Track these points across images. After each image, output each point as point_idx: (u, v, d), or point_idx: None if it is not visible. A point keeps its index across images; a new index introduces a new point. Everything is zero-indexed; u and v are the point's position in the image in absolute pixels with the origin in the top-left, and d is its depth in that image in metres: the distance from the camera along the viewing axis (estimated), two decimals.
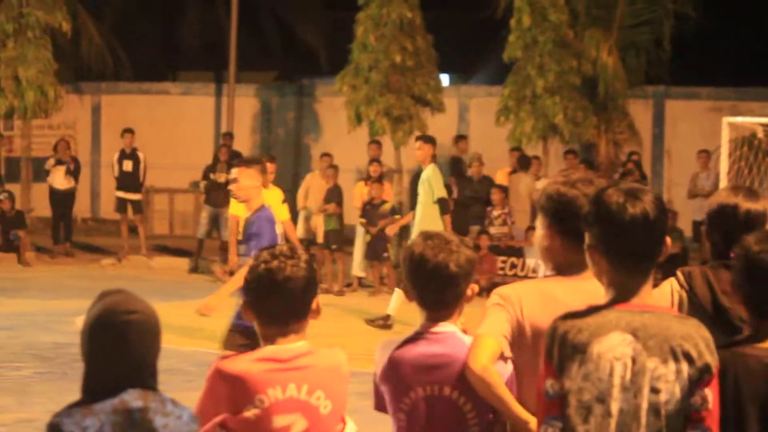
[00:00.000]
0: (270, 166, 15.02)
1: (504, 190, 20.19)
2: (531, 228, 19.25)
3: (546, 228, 4.31)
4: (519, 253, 19.14)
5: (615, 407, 3.46)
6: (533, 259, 18.49)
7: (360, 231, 18.96)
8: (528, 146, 21.64)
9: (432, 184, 14.93)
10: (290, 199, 16.64)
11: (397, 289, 14.72)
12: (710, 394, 3.48)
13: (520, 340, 4.21)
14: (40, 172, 22.99)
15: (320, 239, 19.26)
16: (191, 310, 9.84)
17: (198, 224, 21.84)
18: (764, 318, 3.79)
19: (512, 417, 4.12)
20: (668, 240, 3.63)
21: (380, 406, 4.32)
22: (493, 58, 26.53)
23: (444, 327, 4.22)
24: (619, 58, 22.56)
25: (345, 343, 11.67)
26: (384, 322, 15.00)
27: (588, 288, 3.98)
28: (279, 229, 9.29)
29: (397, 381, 4.20)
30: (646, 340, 3.48)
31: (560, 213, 4.24)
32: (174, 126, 26.82)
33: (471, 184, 20.70)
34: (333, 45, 28.24)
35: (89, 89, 27.48)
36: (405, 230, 18.22)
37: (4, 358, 12.55)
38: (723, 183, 12.81)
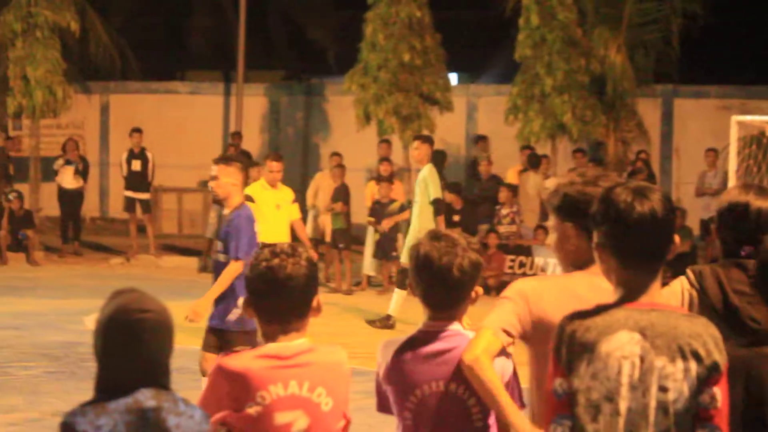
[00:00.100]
0: (276, 165, 15.00)
1: (513, 188, 20.17)
2: (540, 227, 19.22)
3: (568, 228, 4.28)
4: (527, 251, 19.10)
5: (623, 406, 3.45)
6: (542, 258, 18.47)
7: (370, 230, 18.95)
8: (536, 145, 21.62)
9: (428, 184, 14.90)
10: (300, 198, 16.62)
11: (397, 290, 14.63)
12: (719, 392, 3.47)
13: (534, 335, 4.18)
14: (49, 172, 23.03)
15: (328, 238, 19.28)
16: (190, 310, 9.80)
17: (207, 223, 21.84)
18: None
19: (501, 414, 4.07)
20: (677, 238, 3.62)
21: (383, 407, 4.32)
22: (501, 57, 26.54)
23: (447, 325, 4.22)
24: (627, 56, 22.54)
25: (351, 342, 11.69)
26: (385, 323, 14.94)
27: (608, 285, 3.96)
28: (258, 228, 9.27)
29: (402, 380, 4.19)
30: (654, 338, 3.47)
31: (582, 211, 4.13)
32: (182, 125, 26.80)
33: (480, 183, 20.68)
34: (342, 44, 28.29)
35: (98, 89, 27.49)
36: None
37: (13, 357, 12.55)
38: (731, 181, 12.78)
